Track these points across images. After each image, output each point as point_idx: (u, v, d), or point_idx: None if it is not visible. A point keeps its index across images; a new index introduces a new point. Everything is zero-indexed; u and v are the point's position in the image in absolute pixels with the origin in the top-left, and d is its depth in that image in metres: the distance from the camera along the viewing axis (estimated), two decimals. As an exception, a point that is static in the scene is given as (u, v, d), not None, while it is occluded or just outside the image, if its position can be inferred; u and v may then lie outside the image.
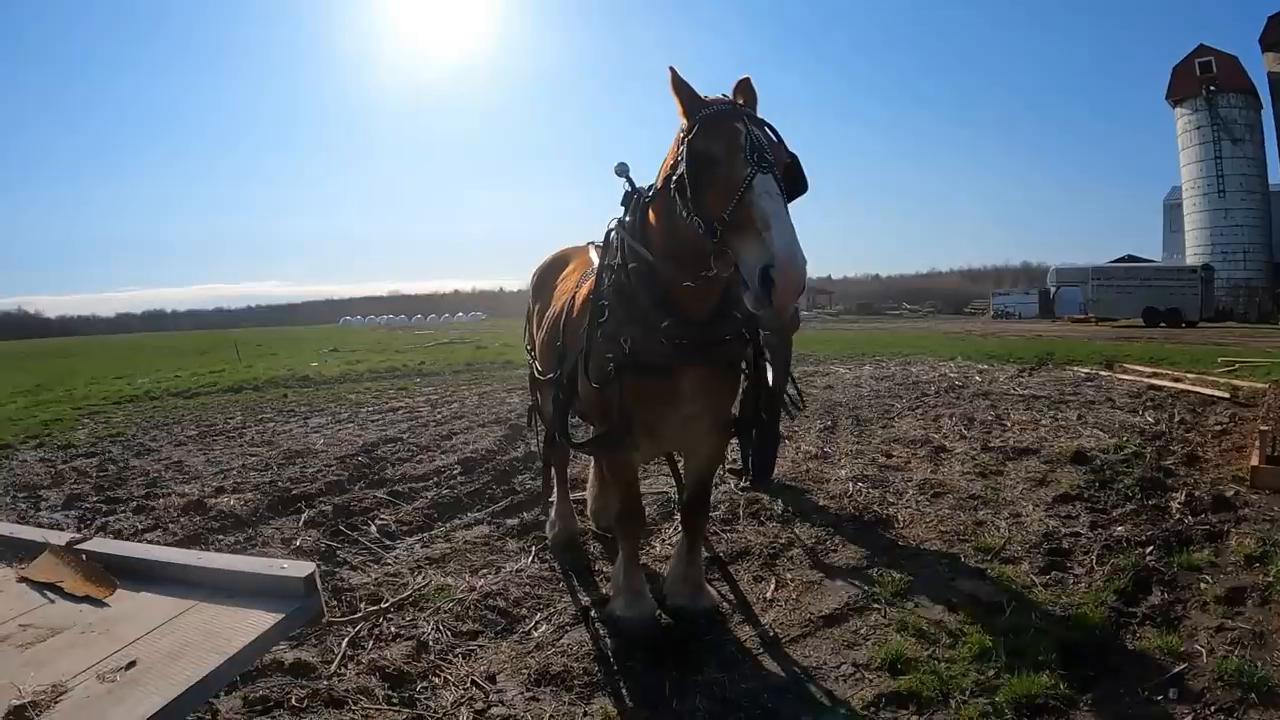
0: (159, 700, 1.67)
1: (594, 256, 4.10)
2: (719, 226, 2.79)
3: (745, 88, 3.18)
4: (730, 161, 2.81)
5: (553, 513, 5.28)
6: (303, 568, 2.17)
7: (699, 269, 3.09)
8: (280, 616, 2.03)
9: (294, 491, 6.65)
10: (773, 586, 4.51)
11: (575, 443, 3.96)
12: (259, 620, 2.01)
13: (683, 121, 3.05)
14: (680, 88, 3.03)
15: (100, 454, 8.99)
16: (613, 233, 3.59)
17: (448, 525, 5.75)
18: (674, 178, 3.01)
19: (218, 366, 22.35)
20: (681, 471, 4.58)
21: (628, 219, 3.51)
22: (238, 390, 15.34)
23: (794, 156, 2.99)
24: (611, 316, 3.41)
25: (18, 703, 1.63)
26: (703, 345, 3.40)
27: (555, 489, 5.28)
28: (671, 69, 3.04)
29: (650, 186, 3.42)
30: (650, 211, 3.38)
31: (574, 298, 3.93)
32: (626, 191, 3.57)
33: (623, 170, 3.57)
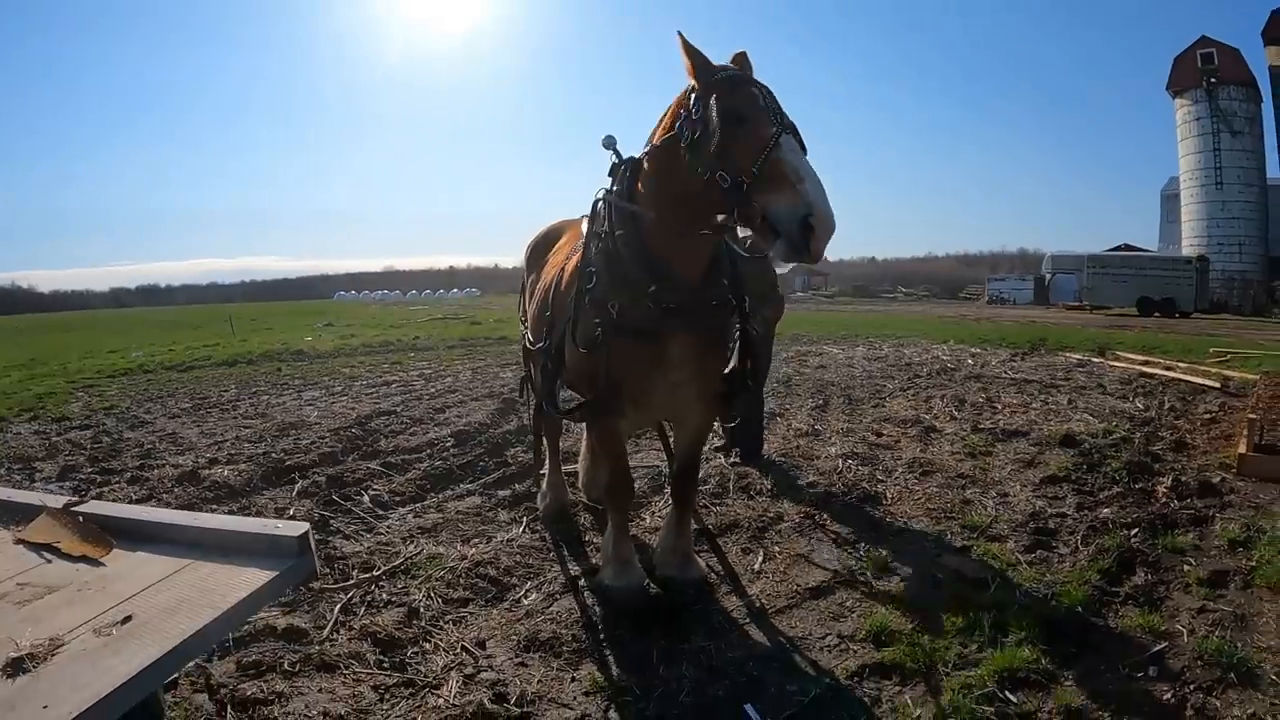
0: (155, 652, 1.70)
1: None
2: (745, 180, 2.86)
3: (743, 61, 3.24)
4: (757, 119, 2.91)
5: (544, 484, 5.31)
6: (296, 527, 2.20)
7: (698, 226, 3.23)
8: (274, 574, 2.07)
9: (288, 463, 6.67)
10: (760, 559, 4.56)
11: (562, 410, 3.98)
12: (253, 578, 2.04)
13: (691, 82, 3.10)
14: (691, 51, 3.07)
15: (94, 426, 8.99)
16: (599, 202, 3.61)
17: (440, 496, 5.79)
18: (689, 135, 3.05)
19: (212, 340, 22.32)
20: (671, 444, 4.60)
21: (615, 188, 3.54)
22: (232, 364, 15.31)
23: (794, 124, 3.02)
24: (599, 282, 3.44)
25: (15, 655, 1.66)
26: (691, 311, 3.43)
27: (547, 460, 5.33)
28: (680, 34, 3.08)
29: (643, 152, 3.45)
30: (642, 174, 3.42)
31: (564, 269, 3.95)
32: (614, 163, 3.60)
33: (610, 143, 3.61)
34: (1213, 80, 45.36)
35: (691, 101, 3.06)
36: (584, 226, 3.97)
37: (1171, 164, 50.50)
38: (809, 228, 2.75)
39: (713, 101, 2.97)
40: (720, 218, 3.14)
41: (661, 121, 3.33)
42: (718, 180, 2.94)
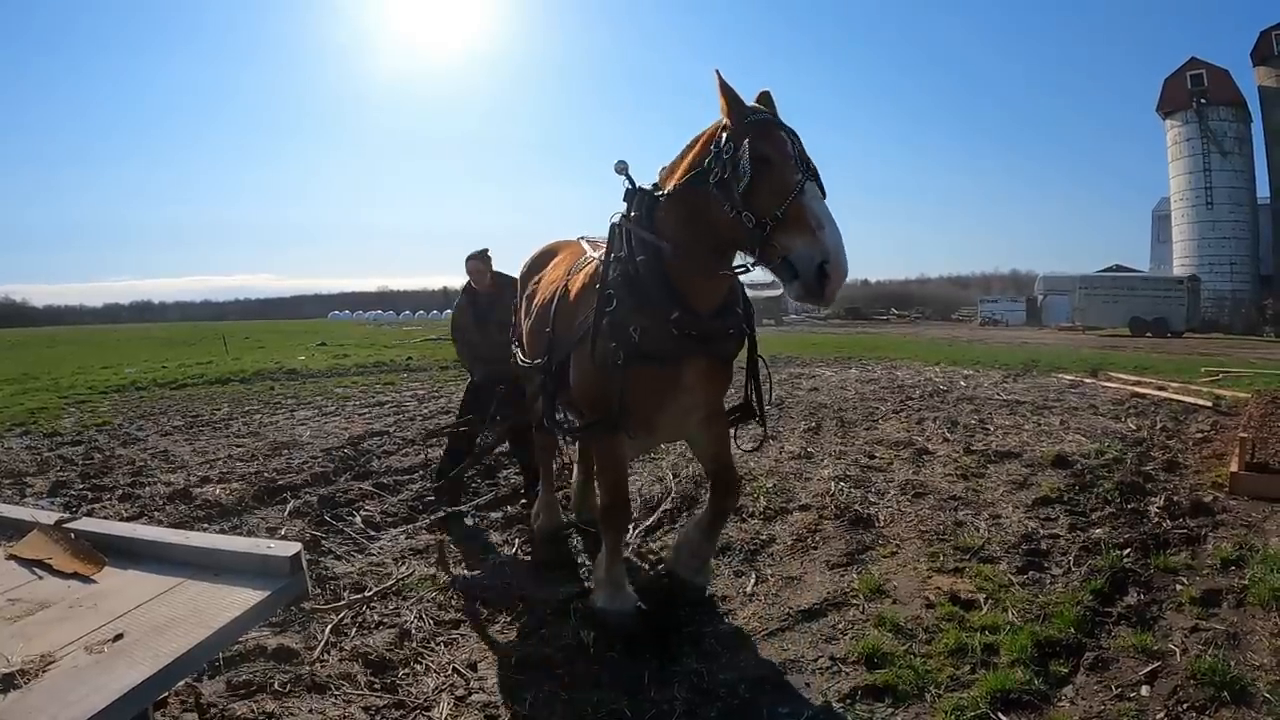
0: (146, 670, 1.70)
1: (587, 249, 4.20)
2: (769, 223, 3.00)
3: (768, 100, 3.34)
4: (783, 166, 3.05)
5: (538, 504, 5.28)
6: (288, 547, 2.21)
7: (721, 261, 3.40)
8: (266, 594, 2.07)
9: (279, 482, 6.68)
10: (753, 581, 4.56)
11: (568, 429, 3.97)
12: (245, 597, 2.04)
13: (725, 120, 3.22)
14: (727, 90, 3.20)
15: (86, 442, 8.99)
16: (617, 226, 3.65)
17: (432, 517, 5.76)
18: (718, 173, 3.16)
19: (205, 358, 22.30)
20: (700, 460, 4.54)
21: (633, 213, 3.60)
22: (225, 382, 15.31)
23: (816, 170, 3.15)
24: (620, 306, 3.49)
25: (6, 671, 1.66)
26: (708, 338, 3.56)
27: (540, 480, 5.29)
28: (717, 72, 3.21)
29: (663, 181, 3.56)
30: (664, 204, 3.50)
31: (566, 286, 3.97)
32: (629, 188, 3.67)
33: (623, 168, 3.68)
34: (1202, 101, 45.67)
35: (723, 140, 3.17)
36: (585, 247, 4.03)
37: (1162, 185, 50.78)
38: (825, 274, 2.91)
39: (745, 144, 3.08)
40: (740, 256, 3.32)
41: (687, 154, 3.45)
42: (743, 220, 3.07)
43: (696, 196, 3.31)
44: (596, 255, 3.90)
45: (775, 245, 3.02)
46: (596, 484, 4.17)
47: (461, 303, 6.30)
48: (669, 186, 3.49)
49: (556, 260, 4.51)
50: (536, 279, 4.64)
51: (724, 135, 3.18)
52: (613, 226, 3.69)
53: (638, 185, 3.67)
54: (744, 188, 3.06)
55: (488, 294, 6.12)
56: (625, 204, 3.67)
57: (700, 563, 4.23)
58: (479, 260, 6.13)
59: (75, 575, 2.19)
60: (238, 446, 8.54)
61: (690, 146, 3.45)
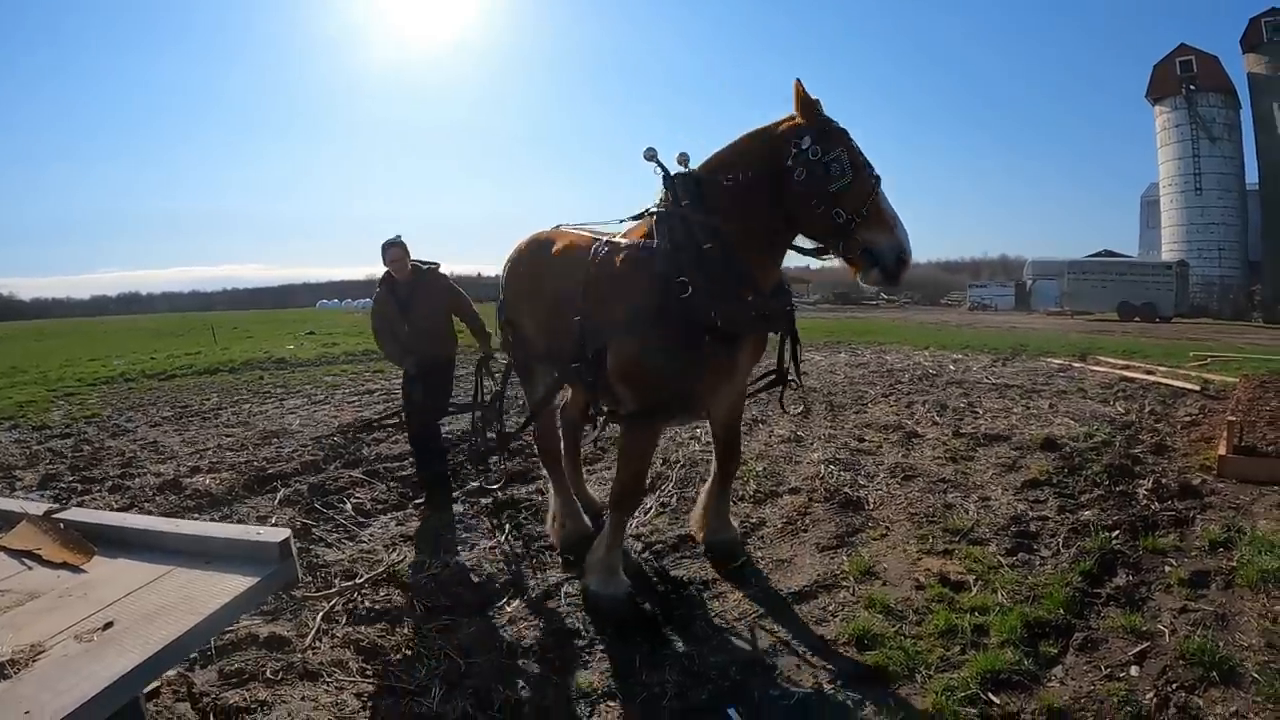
0: (136, 658, 1.70)
1: (597, 234, 4.20)
2: (855, 220, 3.37)
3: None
4: (865, 170, 3.43)
5: (557, 510, 4.98)
6: (278, 533, 2.21)
7: (780, 247, 3.76)
8: (256, 580, 2.07)
9: (269, 471, 6.68)
10: (743, 564, 4.57)
11: (625, 413, 3.98)
12: (235, 584, 2.05)
13: (800, 123, 3.48)
14: (806, 97, 3.47)
15: (75, 434, 8.95)
16: (671, 211, 3.73)
17: (422, 504, 5.78)
18: (801, 171, 3.44)
19: (194, 348, 22.16)
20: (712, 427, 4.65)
21: (686, 202, 3.71)
22: (213, 372, 15.21)
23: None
24: (696, 291, 3.58)
25: (-4, 660, 1.66)
26: (770, 316, 3.87)
27: (552, 484, 5.06)
28: (798, 81, 3.47)
29: (711, 170, 3.72)
30: (727, 192, 3.64)
31: (597, 272, 3.93)
32: (677, 173, 3.79)
33: (652, 155, 3.84)
34: (1192, 87, 45.66)
35: (806, 143, 3.44)
36: (590, 234, 4.14)
37: (1151, 170, 50.81)
38: (902, 262, 3.38)
39: (839, 150, 3.41)
40: (813, 243, 3.66)
41: (743, 147, 3.68)
42: (833, 216, 3.40)
43: (767, 188, 3.55)
44: (624, 241, 3.93)
45: (858, 239, 3.38)
46: (617, 468, 4.13)
47: (382, 294, 6.07)
48: (732, 176, 3.64)
49: (558, 248, 4.40)
50: (536, 269, 4.54)
51: (806, 139, 3.44)
52: (663, 213, 3.76)
53: (679, 171, 3.80)
54: (838, 188, 3.39)
55: (407, 283, 6.00)
56: (669, 190, 3.79)
57: (724, 520, 4.68)
58: (400, 248, 5.95)
59: (65, 565, 2.19)
60: (227, 436, 8.52)
61: (748, 141, 3.66)
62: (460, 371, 6.75)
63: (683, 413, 4.08)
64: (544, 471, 5.30)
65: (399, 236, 5.98)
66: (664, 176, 3.81)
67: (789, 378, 4.42)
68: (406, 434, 6.66)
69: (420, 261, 6.11)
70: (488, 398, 5.74)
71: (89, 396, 12.32)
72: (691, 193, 3.71)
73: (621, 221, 4.14)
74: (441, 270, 6.29)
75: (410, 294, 5.97)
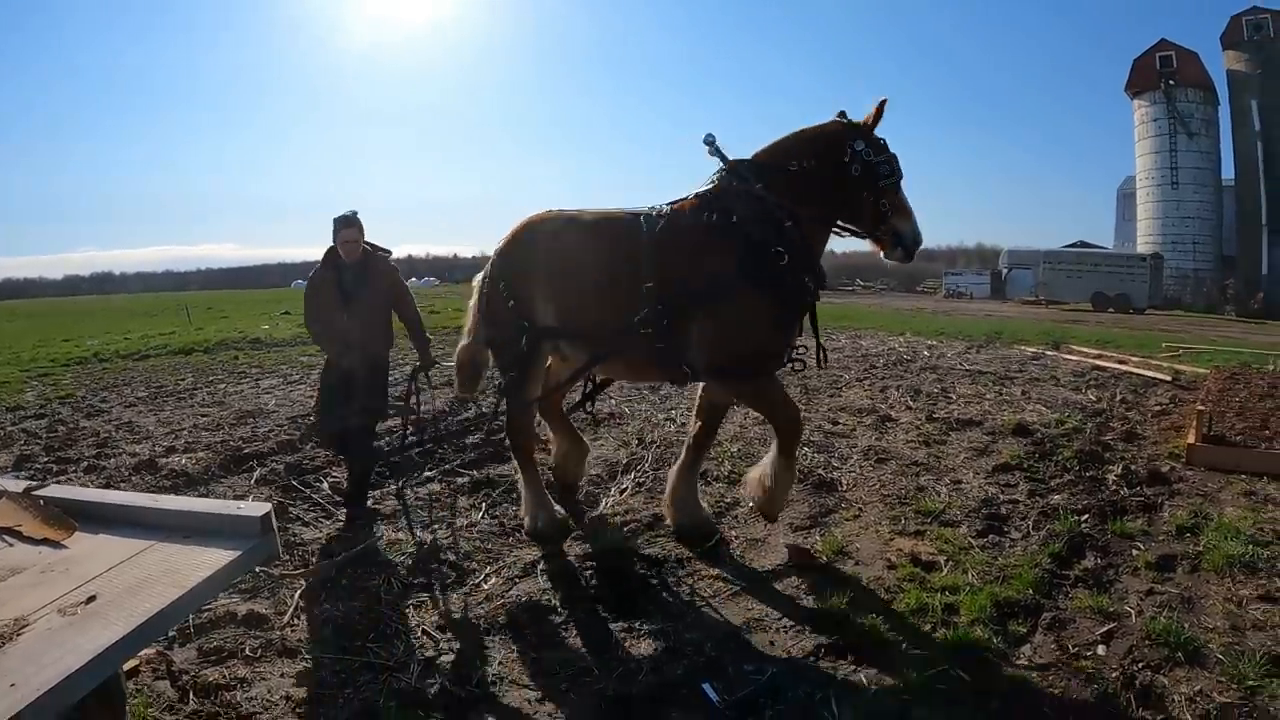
0: (120, 630, 1.71)
1: (612, 211, 4.52)
2: (889, 210, 4.13)
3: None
4: (897, 172, 4.15)
5: (530, 504, 4.86)
6: (258, 508, 2.22)
7: (828, 230, 4.35)
8: (237, 554, 2.08)
9: (246, 450, 6.66)
10: (717, 544, 4.62)
11: (732, 373, 4.27)
12: (216, 557, 2.05)
13: (860, 127, 4.16)
14: (880, 116, 4.20)
15: (50, 415, 8.82)
16: (742, 191, 4.18)
17: (399, 483, 5.79)
18: (857, 168, 4.08)
19: (168, 329, 21.92)
20: (704, 399, 4.80)
21: (758, 185, 4.17)
22: (188, 352, 15.02)
23: None
24: (793, 261, 4.09)
25: (-21, 635, 1.67)
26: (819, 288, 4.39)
27: (523, 477, 4.90)
28: (884, 101, 4.19)
29: (769, 160, 4.27)
30: (791, 180, 4.19)
31: (668, 243, 4.21)
32: (731, 159, 4.27)
33: (711, 140, 4.30)
34: (1171, 83, 45.94)
35: (860, 145, 4.08)
36: (623, 211, 4.45)
37: (1128, 163, 51.14)
38: (918, 243, 4.21)
39: (892, 155, 4.14)
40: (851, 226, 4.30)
41: (800, 143, 4.24)
42: (880, 205, 4.11)
43: (830, 177, 4.13)
44: (687, 212, 4.27)
45: (890, 224, 4.13)
46: (772, 411, 4.38)
47: (323, 276, 5.25)
48: (796, 164, 4.19)
49: (590, 223, 4.48)
50: (562, 245, 4.47)
51: (860, 143, 4.08)
52: (730, 189, 4.21)
53: (741, 158, 4.28)
54: (885, 185, 4.10)
55: (354, 268, 5.20)
56: (732, 174, 4.24)
57: (694, 501, 4.84)
58: (356, 228, 5.15)
59: (46, 541, 2.18)
60: (203, 416, 8.46)
61: (808, 137, 4.23)
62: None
63: (775, 369, 4.40)
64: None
65: (355, 213, 5.20)
66: (732, 162, 4.27)
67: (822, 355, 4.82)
68: (318, 434, 6.20)
69: (371, 245, 5.32)
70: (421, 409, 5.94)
71: (63, 377, 12.13)
72: (757, 177, 4.18)
73: (656, 206, 4.38)
74: (392, 260, 5.50)
75: (356, 281, 5.21)
